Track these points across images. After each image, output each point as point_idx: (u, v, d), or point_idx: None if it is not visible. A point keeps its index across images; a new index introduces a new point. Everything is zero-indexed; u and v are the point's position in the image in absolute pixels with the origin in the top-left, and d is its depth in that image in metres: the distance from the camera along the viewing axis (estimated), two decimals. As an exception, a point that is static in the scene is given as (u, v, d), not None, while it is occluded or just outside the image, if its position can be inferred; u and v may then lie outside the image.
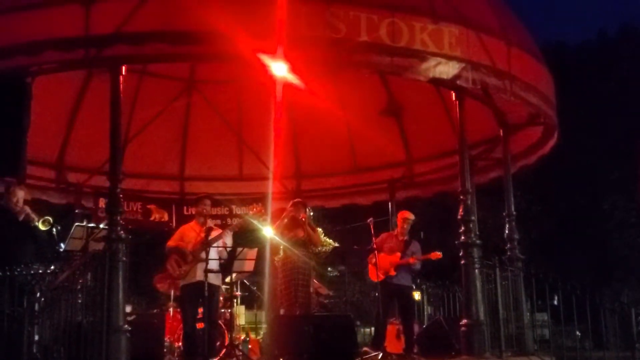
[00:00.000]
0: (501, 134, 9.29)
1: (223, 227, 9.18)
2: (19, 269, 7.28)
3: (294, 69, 7.67)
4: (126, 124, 9.08)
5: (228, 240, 8.28)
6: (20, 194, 7.96)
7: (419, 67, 7.43)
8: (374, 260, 9.00)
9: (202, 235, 8.11)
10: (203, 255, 8.00)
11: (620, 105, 24.20)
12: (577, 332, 9.03)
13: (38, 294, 6.16)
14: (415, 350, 8.80)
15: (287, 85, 9.51)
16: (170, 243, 8.40)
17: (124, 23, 6.54)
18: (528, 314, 8.82)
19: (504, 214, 9.17)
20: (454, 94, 8.25)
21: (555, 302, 8.14)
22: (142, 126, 10.27)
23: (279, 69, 7.56)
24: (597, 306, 8.25)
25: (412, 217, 9.49)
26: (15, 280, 7.21)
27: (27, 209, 8.00)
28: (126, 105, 8.20)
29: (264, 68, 7.37)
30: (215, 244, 8.03)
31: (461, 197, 8.25)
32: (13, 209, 7.85)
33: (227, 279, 8.66)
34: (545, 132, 9.32)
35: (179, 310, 9.50)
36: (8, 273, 7.20)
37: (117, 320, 6.85)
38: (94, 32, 6.61)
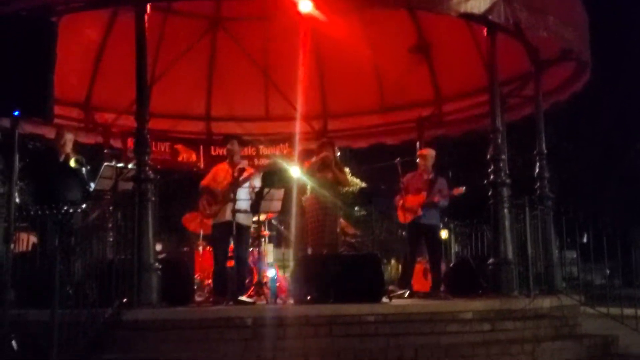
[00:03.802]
0: (533, 70, 9.17)
1: (257, 167, 9.24)
2: (62, 208, 7.46)
3: (320, 5, 7.58)
4: (152, 63, 9.05)
5: (256, 182, 8.34)
6: (69, 137, 8.15)
7: (450, 1, 7.31)
8: (401, 202, 9.02)
9: (234, 175, 8.18)
10: (229, 195, 8.08)
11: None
12: (607, 270, 9.02)
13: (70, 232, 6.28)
14: (442, 289, 8.88)
15: (314, 23, 9.46)
16: (203, 183, 8.53)
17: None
18: (557, 252, 8.83)
19: (534, 152, 9.11)
20: (485, 30, 8.14)
21: (585, 240, 8.13)
22: (168, 66, 10.24)
23: (305, 4, 7.49)
24: (628, 244, 8.23)
25: (429, 153, 9.41)
26: (60, 218, 7.40)
27: (67, 149, 8.17)
28: (152, 45, 8.24)
29: (290, 3, 7.30)
30: (244, 185, 8.11)
31: (491, 135, 8.21)
32: (60, 152, 8.03)
33: (255, 219, 8.75)
34: (578, 69, 9.17)
35: (208, 248, 9.68)
36: (46, 212, 7.40)
37: (147, 258, 7.00)
38: (118, -30, 6.58)
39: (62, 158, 8.05)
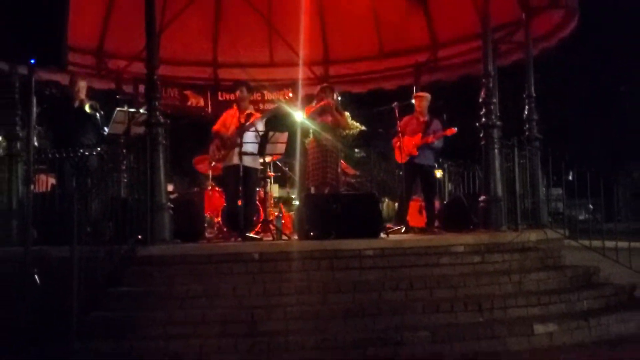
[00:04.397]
0: (523, 17, 9.07)
1: (263, 111, 9.23)
2: (79, 151, 7.47)
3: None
4: (161, 11, 8.93)
5: (260, 125, 8.32)
6: (82, 84, 8.13)
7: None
8: (398, 143, 9.02)
9: (240, 120, 8.17)
10: (239, 140, 8.07)
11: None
12: (590, 206, 9.06)
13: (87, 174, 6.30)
14: (436, 225, 8.95)
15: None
16: (214, 128, 8.58)
17: None
18: (544, 189, 8.86)
19: (524, 95, 9.05)
20: (478, -24, 8.00)
21: (570, 178, 8.14)
22: (176, 13, 10.10)
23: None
24: (610, 182, 8.24)
25: (425, 95, 9.39)
26: (77, 161, 7.42)
27: (82, 96, 8.13)
28: (160, -7, 8.13)
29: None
30: (250, 129, 8.09)
31: (483, 80, 8.16)
32: (74, 98, 7.99)
33: (261, 161, 8.77)
34: (566, 15, 9.04)
35: (217, 188, 9.72)
36: (63, 155, 7.42)
37: (160, 198, 7.03)
38: None
39: (76, 104, 8.02)
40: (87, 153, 7.63)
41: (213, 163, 8.84)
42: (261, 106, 11.69)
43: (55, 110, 8.30)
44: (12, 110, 8.34)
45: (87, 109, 8.00)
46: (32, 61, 6.08)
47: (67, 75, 8.67)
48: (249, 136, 8.11)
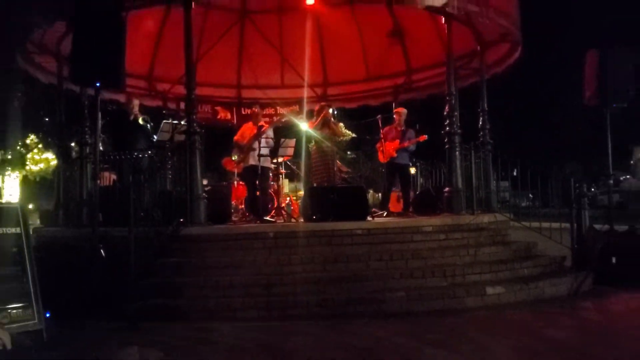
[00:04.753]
0: (478, 49, 9.02)
1: (270, 122, 9.28)
2: (134, 154, 7.47)
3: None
4: (197, 45, 8.95)
5: (270, 132, 8.43)
6: (136, 102, 8.17)
7: (417, -2, 7.13)
8: (381, 147, 9.04)
9: (254, 131, 8.27)
10: (254, 145, 8.18)
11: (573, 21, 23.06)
12: (530, 195, 9.05)
13: (140, 171, 6.31)
14: (410, 210, 8.94)
15: (317, 14, 9.33)
16: (235, 138, 8.72)
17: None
18: (494, 182, 8.85)
19: (478, 109, 9.04)
20: (443, 19, 7.99)
21: (515, 174, 8.14)
22: (209, 47, 10.11)
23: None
24: (546, 176, 8.23)
25: (402, 110, 9.41)
26: (133, 161, 7.43)
27: (135, 110, 8.12)
28: (196, 31, 8.14)
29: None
30: (263, 137, 8.18)
31: (447, 97, 8.14)
32: (130, 112, 7.98)
33: (275, 161, 8.78)
34: (512, 47, 8.99)
35: (242, 183, 9.72)
36: (122, 157, 7.42)
37: (197, 190, 7.04)
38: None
39: (132, 117, 8.00)
40: (140, 155, 7.63)
41: (235, 161, 8.90)
42: (274, 118, 11.67)
43: (116, 122, 8.30)
44: (82, 122, 8.37)
45: (140, 121, 7.99)
46: (97, 84, 6.11)
47: (125, 95, 8.67)
48: (263, 143, 8.19)
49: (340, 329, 5.07)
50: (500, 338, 4.69)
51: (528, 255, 7.30)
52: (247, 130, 8.54)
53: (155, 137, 8.10)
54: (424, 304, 5.82)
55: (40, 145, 23.19)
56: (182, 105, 9.59)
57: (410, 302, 5.81)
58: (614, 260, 6.81)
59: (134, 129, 7.94)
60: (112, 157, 7.70)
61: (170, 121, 8.28)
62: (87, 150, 8.14)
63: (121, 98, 9.20)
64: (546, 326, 5.07)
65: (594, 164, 23.12)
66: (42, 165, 23.36)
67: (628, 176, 31.61)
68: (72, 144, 9.69)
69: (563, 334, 4.82)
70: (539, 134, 25.47)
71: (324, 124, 8.60)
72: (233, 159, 8.77)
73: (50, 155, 22.26)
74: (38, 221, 10.06)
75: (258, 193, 8.30)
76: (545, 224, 7.81)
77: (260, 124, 8.36)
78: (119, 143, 7.94)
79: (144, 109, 8.77)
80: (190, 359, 4.25)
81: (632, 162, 31.21)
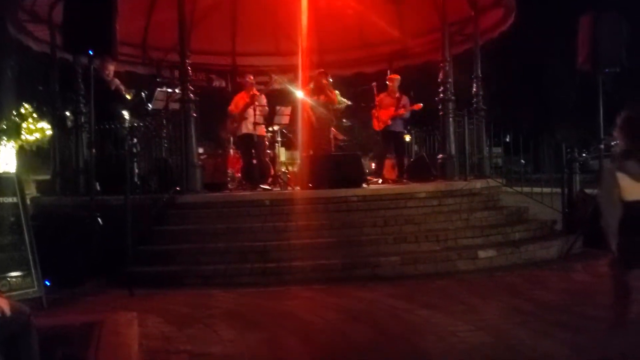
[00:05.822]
0: (473, 14, 8.89)
1: (261, 90, 9.20)
2: (115, 124, 7.37)
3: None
4: (190, 13, 8.81)
5: (263, 100, 8.40)
6: (111, 68, 7.93)
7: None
8: (376, 115, 8.98)
9: (247, 99, 8.30)
10: (246, 114, 8.23)
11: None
12: (522, 161, 9.07)
13: (135, 140, 6.26)
14: (405, 176, 8.95)
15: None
16: (229, 108, 8.70)
17: None
18: (487, 148, 8.85)
19: (472, 76, 8.96)
20: (437, -17, 7.85)
21: (507, 140, 8.13)
22: (202, 15, 9.95)
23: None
24: (538, 142, 8.24)
25: (396, 77, 9.30)
26: (116, 131, 7.34)
27: (117, 81, 7.92)
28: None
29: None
30: (257, 105, 8.20)
31: (441, 64, 8.06)
32: (105, 79, 7.82)
33: (270, 129, 8.74)
34: (505, 13, 8.89)
35: (237, 151, 9.69)
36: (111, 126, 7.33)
37: (192, 158, 7.02)
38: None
39: (113, 88, 7.72)
40: (135, 125, 7.53)
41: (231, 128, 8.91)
42: (263, 88, 11.55)
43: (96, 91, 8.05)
44: (76, 91, 8.26)
45: (128, 95, 7.82)
46: (90, 52, 6.04)
47: (98, 60, 8.05)
48: (258, 111, 8.16)
49: (335, 293, 5.14)
50: (491, 300, 4.76)
51: (519, 219, 7.35)
52: (240, 99, 8.51)
53: (150, 105, 8.00)
54: (417, 268, 5.88)
55: (35, 115, 22.99)
56: (177, 73, 9.48)
57: (403, 266, 5.87)
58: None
59: (114, 99, 7.75)
60: (106, 126, 7.61)
61: (164, 89, 8.18)
62: (82, 119, 8.06)
63: (116, 67, 9.09)
64: (536, 288, 5.14)
65: (586, 130, 23.12)
66: (37, 135, 23.21)
67: (618, 141, 31.66)
68: (67, 113, 9.58)
69: (552, 295, 4.89)
70: (532, 100, 25.33)
71: (319, 91, 8.53)
72: (228, 128, 8.80)
73: (45, 125, 22.09)
74: (35, 191, 10.04)
75: (255, 161, 8.29)
76: (537, 189, 7.85)
77: (252, 92, 8.31)
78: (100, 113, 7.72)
79: (137, 78, 8.64)
80: (188, 324, 4.30)
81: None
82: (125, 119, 7.62)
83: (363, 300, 4.90)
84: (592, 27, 6.88)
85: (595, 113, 6.98)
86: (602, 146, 7.35)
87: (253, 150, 8.36)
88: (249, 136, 8.21)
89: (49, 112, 11.77)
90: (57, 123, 8.75)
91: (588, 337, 3.76)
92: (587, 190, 7.54)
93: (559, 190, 7.59)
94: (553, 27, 22.37)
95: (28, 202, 6.10)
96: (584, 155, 8.48)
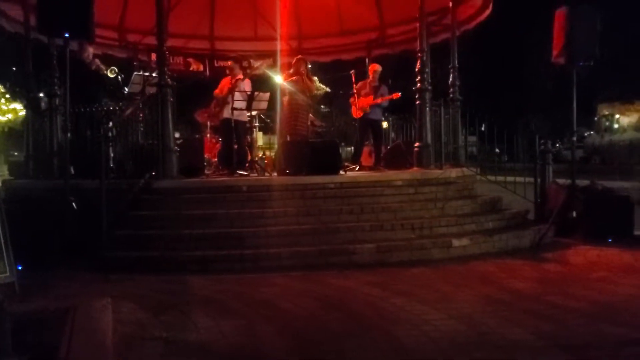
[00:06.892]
0: (450, 5, 8.89)
1: (244, 74, 9.14)
2: (95, 106, 7.23)
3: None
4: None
5: (246, 86, 8.35)
6: (90, 50, 7.78)
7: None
8: (354, 102, 8.97)
9: (231, 84, 8.31)
10: (228, 99, 8.20)
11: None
12: (497, 150, 9.15)
13: (111, 124, 6.12)
14: (381, 164, 8.97)
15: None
16: (215, 92, 8.75)
17: None
18: (462, 138, 8.91)
19: (449, 66, 8.98)
20: (416, -28, 7.81)
21: (483, 129, 8.19)
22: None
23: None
24: (512, 132, 8.31)
25: (379, 68, 9.32)
26: (93, 114, 7.19)
27: (97, 61, 7.80)
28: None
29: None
30: (239, 90, 8.14)
31: (419, 54, 8.04)
32: (85, 60, 7.67)
33: (249, 114, 8.65)
34: (483, 4, 8.89)
35: (214, 136, 9.61)
36: (87, 109, 7.18)
37: (168, 142, 6.91)
38: None
39: (93, 67, 7.64)
40: (111, 108, 7.40)
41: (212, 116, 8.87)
42: (248, 71, 11.43)
43: (75, 73, 7.86)
44: (51, 73, 8.04)
45: (109, 74, 7.67)
46: (66, 35, 5.89)
47: (76, 43, 7.89)
48: (238, 96, 8.09)
49: (312, 280, 5.13)
50: (464, 288, 4.80)
51: (493, 208, 7.42)
52: (225, 84, 8.55)
53: (126, 89, 7.85)
54: (392, 256, 5.91)
55: (7, 96, 22.40)
56: (154, 56, 9.32)
57: (379, 254, 5.89)
58: (574, 213, 6.97)
59: (95, 81, 7.59)
60: (82, 109, 7.44)
61: (141, 73, 8.02)
62: (57, 101, 7.86)
63: (74, 46, 8.87)
64: (508, 277, 5.20)
65: (559, 121, 23.46)
66: (10, 116, 22.65)
67: (592, 132, 32.30)
68: (41, 95, 9.33)
69: (523, 283, 4.96)
70: (507, 90, 25.61)
71: (299, 78, 8.46)
72: (211, 112, 8.86)
73: (18, 106, 21.55)
74: (7, 173, 9.79)
75: (235, 146, 8.26)
76: (510, 179, 7.93)
77: (237, 77, 8.34)
78: (77, 95, 7.58)
79: (113, 60, 8.46)
80: (163, 311, 4.25)
81: (595, 118, 31.80)
82: (103, 101, 7.47)
83: (340, 287, 4.91)
84: (567, 20, 6.92)
85: (569, 105, 7.04)
86: (574, 138, 7.45)
87: (232, 135, 8.27)
88: (228, 121, 8.18)
89: (23, 94, 11.46)
90: (31, 105, 8.51)
91: (556, 324, 3.83)
92: (560, 181, 7.65)
93: (532, 180, 7.68)
94: (530, 18, 22.58)
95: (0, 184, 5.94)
96: (557, 145, 8.60)
